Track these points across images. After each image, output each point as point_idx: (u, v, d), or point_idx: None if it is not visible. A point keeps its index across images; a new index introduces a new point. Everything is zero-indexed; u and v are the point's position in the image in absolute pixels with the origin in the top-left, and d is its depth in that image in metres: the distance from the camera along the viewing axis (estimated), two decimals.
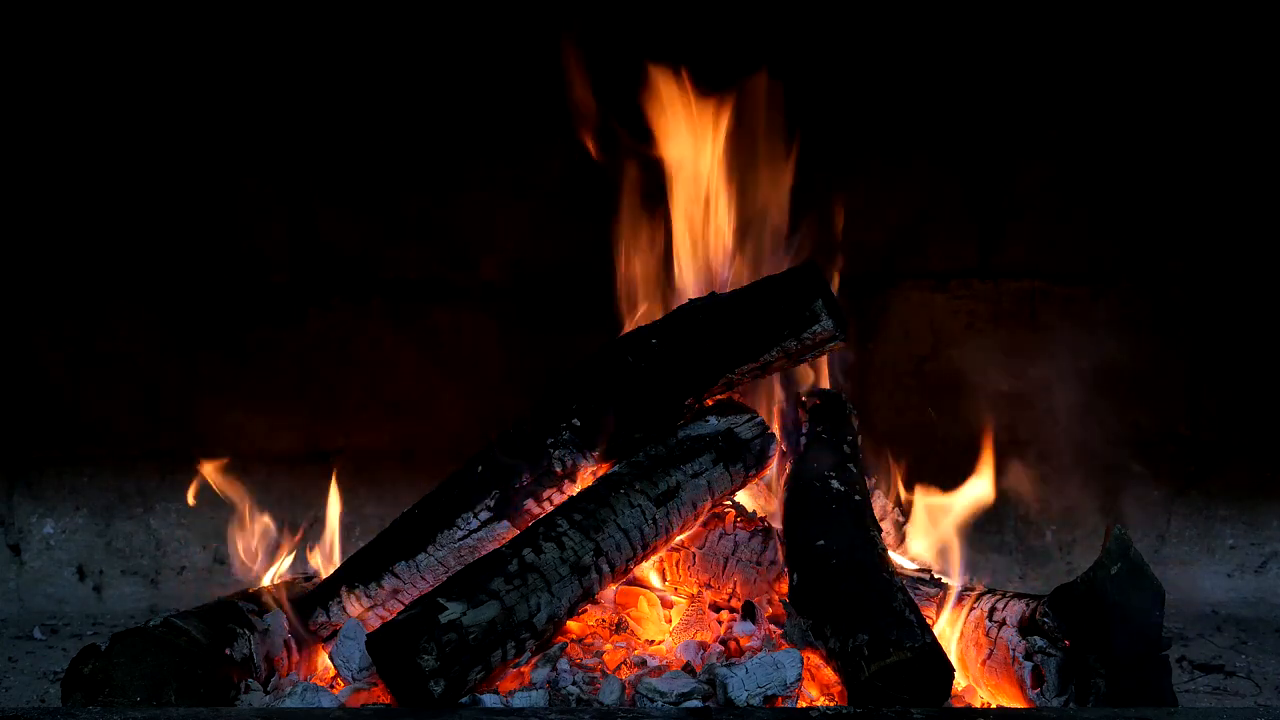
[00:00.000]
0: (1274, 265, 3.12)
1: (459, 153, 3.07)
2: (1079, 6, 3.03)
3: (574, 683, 1.99)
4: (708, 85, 2.51)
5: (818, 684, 2.00)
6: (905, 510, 2.45)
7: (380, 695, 1.99)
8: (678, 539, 2.24)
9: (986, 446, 2.42)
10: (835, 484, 2.21)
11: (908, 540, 2.43)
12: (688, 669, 2.02)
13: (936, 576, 2.25)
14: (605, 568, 2.05)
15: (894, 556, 2.36)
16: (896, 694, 1.81)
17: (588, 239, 2.63)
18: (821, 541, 2.07)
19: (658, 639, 2.21)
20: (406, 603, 2.12)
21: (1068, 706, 1.87)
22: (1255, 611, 3.08)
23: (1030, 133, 3.09)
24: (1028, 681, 1.91)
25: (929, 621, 1.96)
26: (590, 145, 2.59)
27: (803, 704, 1.92)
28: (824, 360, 2.46)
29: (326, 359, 3.12)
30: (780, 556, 2.21)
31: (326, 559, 2.43)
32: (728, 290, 2.36)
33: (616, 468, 2.19)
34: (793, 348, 2.18)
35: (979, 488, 2.38)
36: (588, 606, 2.12)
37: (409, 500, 2.37)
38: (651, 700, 1.90)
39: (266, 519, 2.43)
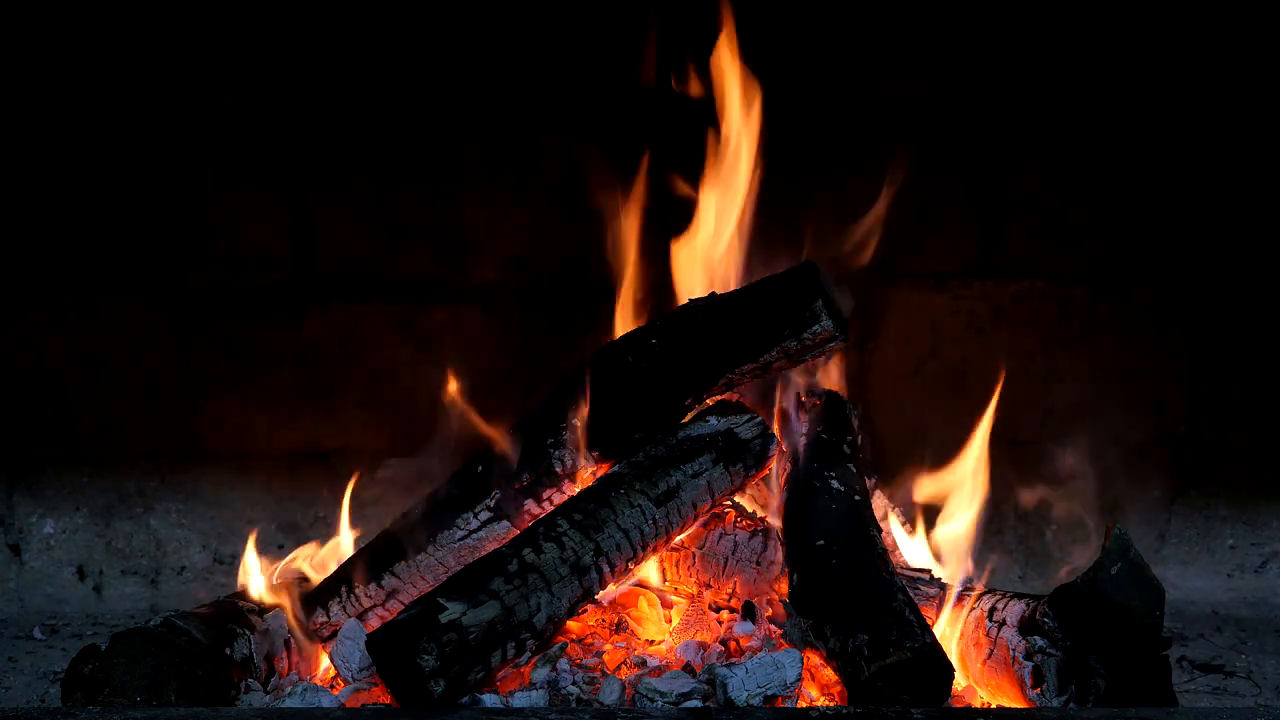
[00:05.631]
0: (1274, 265, 3.12)
1: (459, 152, 3.07)
2: (1079, 7, 3.03)
3: (574, 683, 1.99)
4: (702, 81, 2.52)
5: (818, 684, 2.00)
6: (906, 512, 2.45)
7: (380, 695, 1.99)
8: (678, 539, 2.24)
9: (986, 447, 2.42)
10: (835, 484, 2.21)
11: (908, 540, 2.43)
12: (688, 669, 2.02)
13: (936, 577, 2.25)
14: (605, 568, 2.05)
15: (901, 551, 2.36)
16: (896, 694, 1.81)
17: (588, 239, 2.63)
18: (821, 541, 2.07)
19: (658, 639, 2.21)
20: (406, 603, 2.12)
21: (1068, 706, 1.87)
22: (1255, 611, 3.08)
23: (1030, 132, 3.09)
24: (1028, 681, 1.91)
25: (929, 621, 1.96)
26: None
27: (803, 704, 1.92)
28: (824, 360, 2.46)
29: (326, 359, 3.12)
30: (780, 556, 2.21)
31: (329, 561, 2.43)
32: (728, 290, 2.36)
33: (616, 468, 2.19)
34: (793, 348, 2.18)
35: (978, 488, 2.38)
36: (588, 606, 2.12)
37: (409, 500, 2.38)
38: (651, 700, 1.90)
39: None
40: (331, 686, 2.12)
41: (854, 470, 2.28)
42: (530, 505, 2.23)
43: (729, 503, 2.30)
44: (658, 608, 2.26)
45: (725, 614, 2.25)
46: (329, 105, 3.05)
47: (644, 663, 2.08)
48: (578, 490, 2.21)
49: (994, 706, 1.98)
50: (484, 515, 2.23)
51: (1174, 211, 3.11)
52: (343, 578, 2.28)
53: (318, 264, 3.11)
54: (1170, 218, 3.11)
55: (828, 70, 3.04)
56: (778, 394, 2.44)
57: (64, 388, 3.09)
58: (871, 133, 3.07)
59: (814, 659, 1.98)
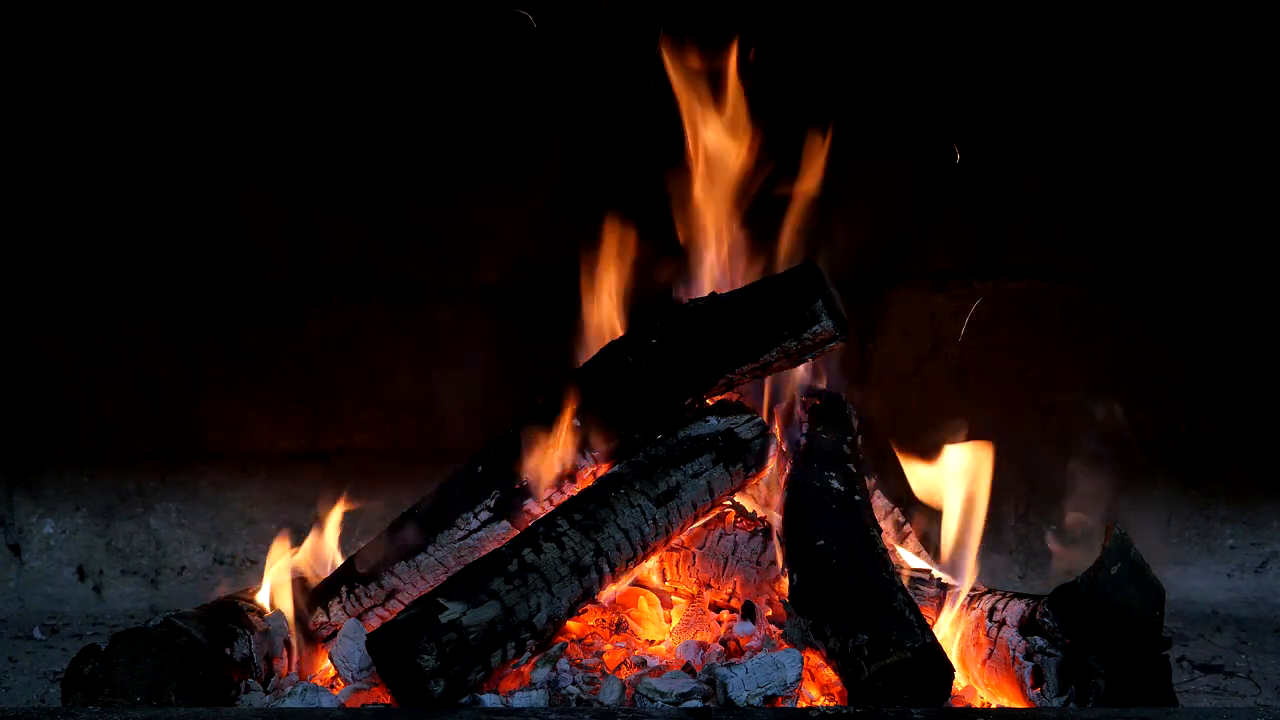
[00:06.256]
0: (1274, 266, 3.12)
1: (459, 153, 3.07)
2: (1080, 8, 3.03)
3: (574, 683, 1.99)
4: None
5: (818, 684, 2.00)
6: (906, 514, 2.45)
7: (380, 695, 1.99)
8: (678, 539, 2.24)
9: (986, 447, 2.41)
10: (835, 484, 2.21)
11: (908, 540, 2.43)
12: (688, 669, 2.02)
13: (937, 577, 2.25)
14: (605, 568, 2.05)
15: (901, 552, 2.36)
16: (896, 694, 1.81)
17: (588, 239, 2.62)
18: (821, 541, 2.07)
19: (658, 639, 2.21)
20: (406, 603, 2.12)
21: (1068, 706, 1.87)
22: (1255, 611, 3.08)
23: (1030, 133, 3.09)
24: (1028, 681, 1.91)
25: (929, 621, 1.96)
26: None
27: (803, 704, 1.92)
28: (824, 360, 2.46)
29: (326, 359, 3.12)
30: (780, 556, 2.21)
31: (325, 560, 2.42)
32: (727, 291, 2.36)
33: (616, 468, 2.19)
34: (793, 348, 2.18)
35: (978, 489, 2.38)
36: (588, 606, 2.12)
37: (409, 500, 2.38)
38: (651, 700, 1.90)
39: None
40: (331, 686, 2.12)
41: (854, 470, 2.28)
42: (530, 505, 2.23)
43: (729, 503, 2.30)
44: (658, 608, 2.26)
45: (725, 614, 2.25)
46: (329, 105, 3.05)
47: (644, 663, 2.08)
48: (578, 490, 2.21)
49: (994, 706, 1.98)
50: (484, 515, 2.23)
51: (1174, 211, 3.11)
52: (343, 578, 2.28)
53: (318, 264, 3.11)
54: (1170, 218, 3.11)
55: (829, 69, 3.04)
56: (779, 394, 2.44)
57: (64, 387, 3.09)
58: (871, 132, 3.06)
59: (814, 659, 1.98)
